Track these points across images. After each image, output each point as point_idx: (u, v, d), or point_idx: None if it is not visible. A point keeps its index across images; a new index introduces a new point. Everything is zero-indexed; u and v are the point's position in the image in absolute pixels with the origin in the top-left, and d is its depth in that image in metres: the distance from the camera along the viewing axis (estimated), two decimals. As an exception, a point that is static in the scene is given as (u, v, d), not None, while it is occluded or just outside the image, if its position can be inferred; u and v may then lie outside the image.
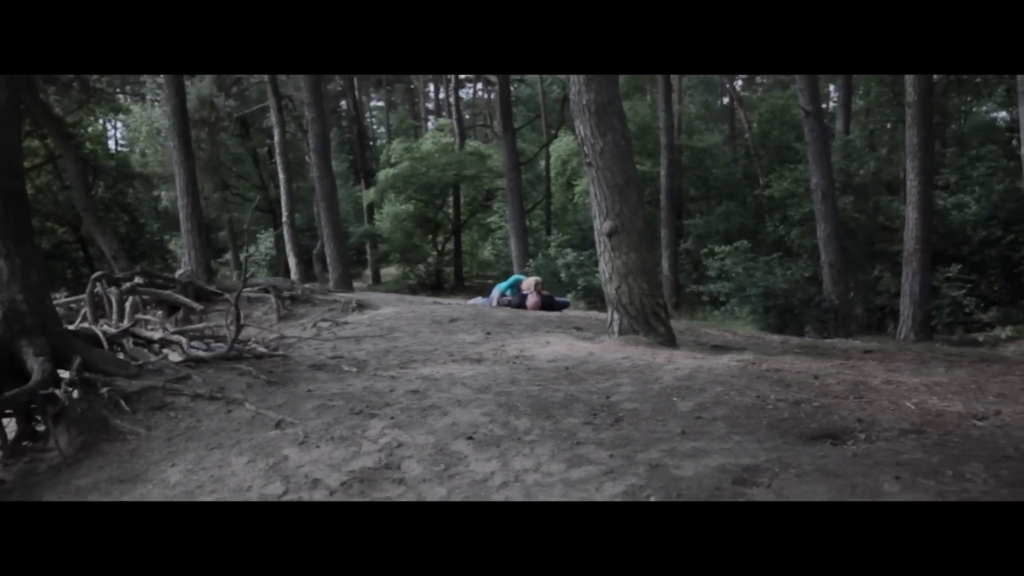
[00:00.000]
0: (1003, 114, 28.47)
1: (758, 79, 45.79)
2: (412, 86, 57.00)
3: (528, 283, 12.63)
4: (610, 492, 3.89)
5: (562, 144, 34.17)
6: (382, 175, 32.50)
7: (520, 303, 12.25)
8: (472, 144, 35.66)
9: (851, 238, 19.01)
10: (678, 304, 20.36)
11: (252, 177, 34.23)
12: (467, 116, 47.36)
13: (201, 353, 6.78)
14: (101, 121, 30.76)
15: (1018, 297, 16.02)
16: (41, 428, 5.72)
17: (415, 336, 8.60)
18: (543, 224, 32.65)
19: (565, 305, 13.25)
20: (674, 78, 31.77)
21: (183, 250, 13.76)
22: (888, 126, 26.01)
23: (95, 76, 21.63)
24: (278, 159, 25.05)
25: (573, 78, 8.10)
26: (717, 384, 5.90)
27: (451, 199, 34.21)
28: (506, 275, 18.88)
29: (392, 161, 32.84)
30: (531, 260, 22.95)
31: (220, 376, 6.28)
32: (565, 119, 31.63)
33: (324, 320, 10.21)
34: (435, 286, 31.82)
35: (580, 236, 26.86)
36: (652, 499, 3.79)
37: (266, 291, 12.00)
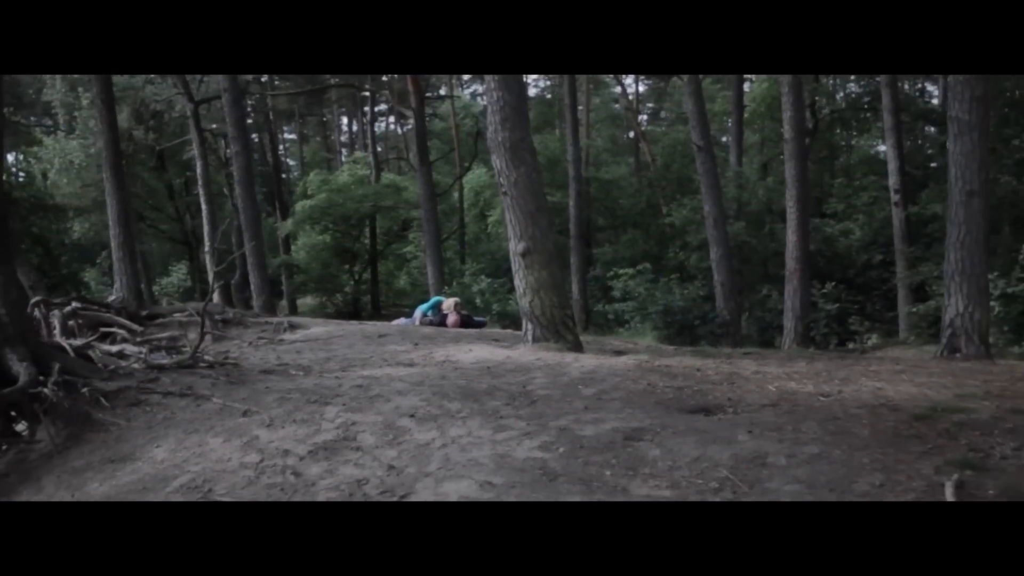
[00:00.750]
0: (883, 147, 30.89)
1: (662, 114, 48.05)
2: (325, 119, 57.68)
3: (448, 304, 13.62)
4: (528, 447, 4.95)
5: (474, 176, 35.42)
6: (299, 206, 33.08)
7: (441, 322, 13.22)
8: (388, 176, 36.56)
9: (745, 261, 20.65)
10: (587, 324, 21.56)
11: (166, 209, 34.37)
12: (379, 148, 48.22)
13: (163, 361, 7.55)
14: (12, 154, 30.60)
15: (887, 311, 17.79)
16: (20, 426, 6.44)
17: (350, 348, 9.51)
18: (457, 253, 33.70)
19: (483, 324, 14.29)
20: (581, 114, 33.43)
21: (117, 276, 14.29)
22: (781, 157, 28.03)
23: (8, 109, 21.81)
24: (200, 191, 25.52)
25: (490, 118, 9.24)
26: (615, 376, 7.02)
27: (367, 229, 34.97)
28: (423, 301, 19.81)
29: (309, 193, 33.48)
30: (446, 287, 23.96)
31: (184, 379, 7.09)
32: (479, 152, 32.86)
33: (260, 339, 10.97)
34: (352, 314, 32.45)
35: (493, 265, 27.99)
36: (561, 451, 4.86)
37: (198, 314, 12.67)
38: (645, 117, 48.69)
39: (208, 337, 11.34)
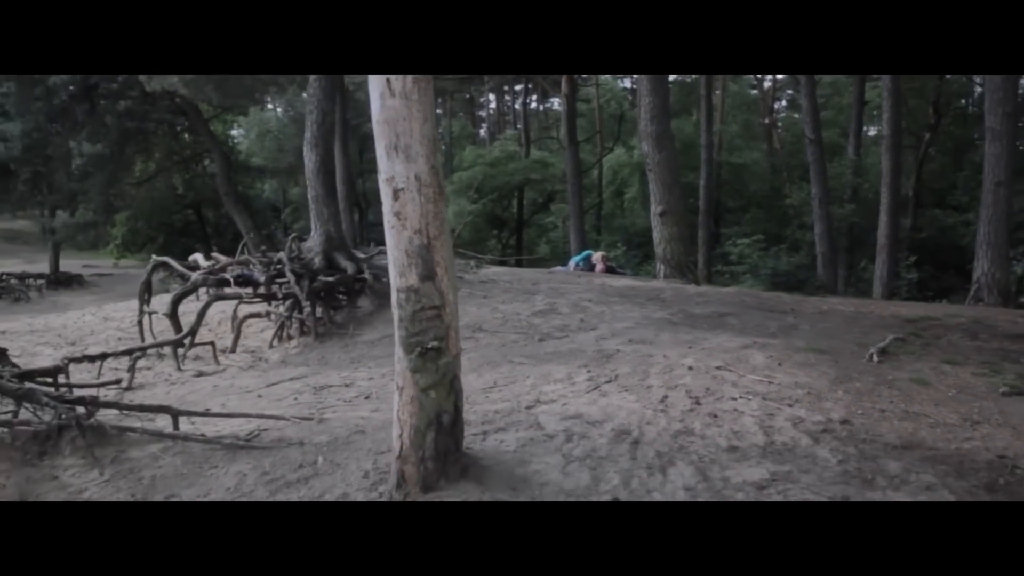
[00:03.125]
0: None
1: (779, 105, 49.72)
2: (468, 96, 61.87)
3: (597, 256, 17.22)
4: (660, 314, 8.61)
5: (613, 156, 38.73)
6: (455, 177, 37.26)
7: (590, 269, 16.86)
8: (536, 152, 40.31)
9: (855, 238, 23.39)
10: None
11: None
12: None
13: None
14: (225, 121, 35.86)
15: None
16: (343, 299, 10.49)
17: (530, 279, 13.34)
18: (593, 227, 37.16)
19: (623, 273, 17.85)
20: (717, 100, 36.25)
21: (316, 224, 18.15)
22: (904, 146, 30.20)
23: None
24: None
25: (641, 113, 12.86)
26: (720, 294, 10.59)
27: (515, 200, 38.87)
28: (563, 263, 23.50)
29: (465, 166, 37.62)
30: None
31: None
32: (620, 135, 36.20)
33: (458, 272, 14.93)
34: (500, 275, 36.50)
35: (626, 238, 31.27)
36: (679, 316, 8.49)
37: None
38: (784, 103, 50.52)
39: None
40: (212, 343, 8.97)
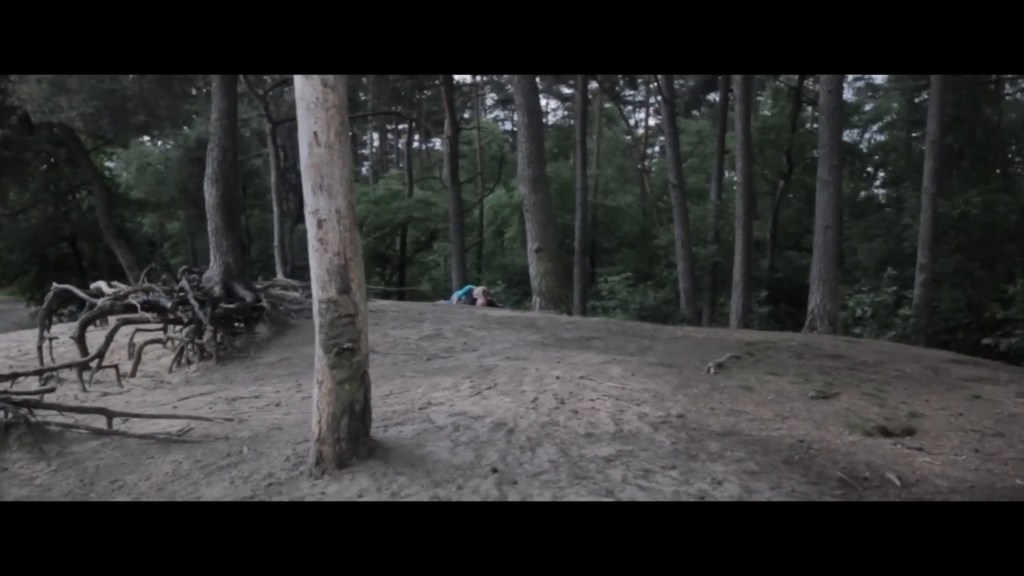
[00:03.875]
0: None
1: (653, 151, 52.36)
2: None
3: (478, 290, 18.29)
4: (533, 338, 9.68)
5: (494, 197, 40.14)
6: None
7: (472, 303, 17.90)
8: (419, 192, 41.33)
9: (716, 276, 25.35)
10: (584, 325, 26.16)
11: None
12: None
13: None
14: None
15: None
16: (240, 326, 11.14)
17: (415, 310, 14.26)
18: (474, 265, 38.37)
19: (503, 307, 18.98)
20: (593, 144, 38.22)
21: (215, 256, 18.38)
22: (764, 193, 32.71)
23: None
24: (274, 196, 29.61)
25: (520, 159, 14.06)
26: (588, 323, 11.76)
27: (399, 238, 39.69)
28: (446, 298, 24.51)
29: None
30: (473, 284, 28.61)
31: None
32: (502, 176, 37.65)
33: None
34: (383, 311, 37.11)
35: (506, 276, 32.52)
36: (551, 339, 9.58)
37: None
38: (656, 149, 53.19)
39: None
40: (116, 366, 9.47)
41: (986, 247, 18.75)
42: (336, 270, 4.68)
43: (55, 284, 10.76)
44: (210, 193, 11.37)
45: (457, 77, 37.18)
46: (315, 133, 4.55)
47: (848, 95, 34.66)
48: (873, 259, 21.07)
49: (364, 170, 60.05)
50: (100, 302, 9.89)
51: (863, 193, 33.36)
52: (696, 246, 24.12)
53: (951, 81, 19.12)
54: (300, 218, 34.50)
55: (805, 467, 5.37)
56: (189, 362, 10.23)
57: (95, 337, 10.13)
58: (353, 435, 4.86)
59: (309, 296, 12.30)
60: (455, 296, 18.59)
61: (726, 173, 30.25)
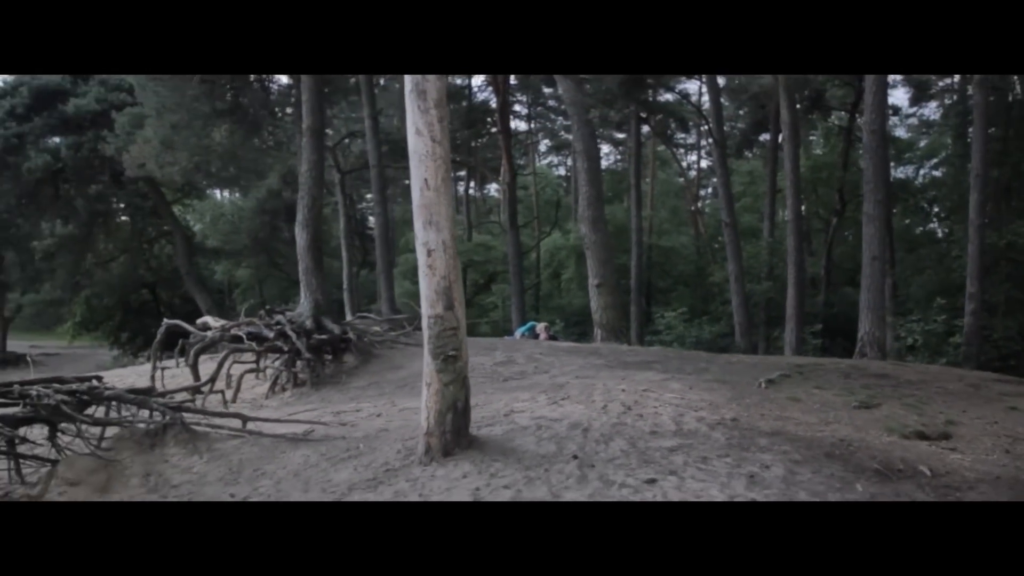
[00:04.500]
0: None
1: (705, 192, 52.94)
2: (406, 182, 64.25)
3: (540, 326, 19.25)
4: (597, 362, 10.58)
5: (550, 240, 41.22)
6: (402, 259, 39.19)
7: (534, 337, 18.85)
8: (477, 236, 42.62)
9: (766, 311, 25.93)
10: (642, 361, 26.92)
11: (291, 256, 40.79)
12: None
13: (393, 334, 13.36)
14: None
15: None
16: (328, 357, 12.22)
17: (489, 343, 15.24)
18: (532, 306, 39.35)
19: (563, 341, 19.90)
20: (647, 186, 39.18)
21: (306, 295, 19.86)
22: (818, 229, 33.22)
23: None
24: (343, 242, 31.10)
25: (580, 200, 15.03)
26: (647, 352, 12.61)
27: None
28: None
29: (411, 247, 39.62)
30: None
31: (409, 341, 12.90)
32: (557, 219, 38.73)
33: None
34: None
35: (564, 316, 33.40)
36: (614, 362, 10.47)
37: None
38: (709, 190, 53.92)
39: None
40: (223, 391, 10.60)
41: (1035, 276, 19.18)
42: (443, 291, 5.68)
43: (165, 320, 11.99)
44: (301, 237, 12.57)
45: (512, 124, 38.47)
46: (425, 179, 5.59)
47: (901, 132, 35.18)
48: (925, 291, 21.50)
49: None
50: (210, 334, 11.07)
51: (919, 229, 33.67)
52: (750, 283, 24.78)
53: (994, 118, 19.72)
54: (365, 263, 36.08)
55: (844, 460, 6.15)
56: (284, 389, 11.33)
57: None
58: (456, 428, 5.82)
59: (390, 330, 13.44)
60: (518, 332, 19.54)
61: (778, 212, 30.90)
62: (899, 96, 33.44)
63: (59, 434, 6.15)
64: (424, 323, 5.83)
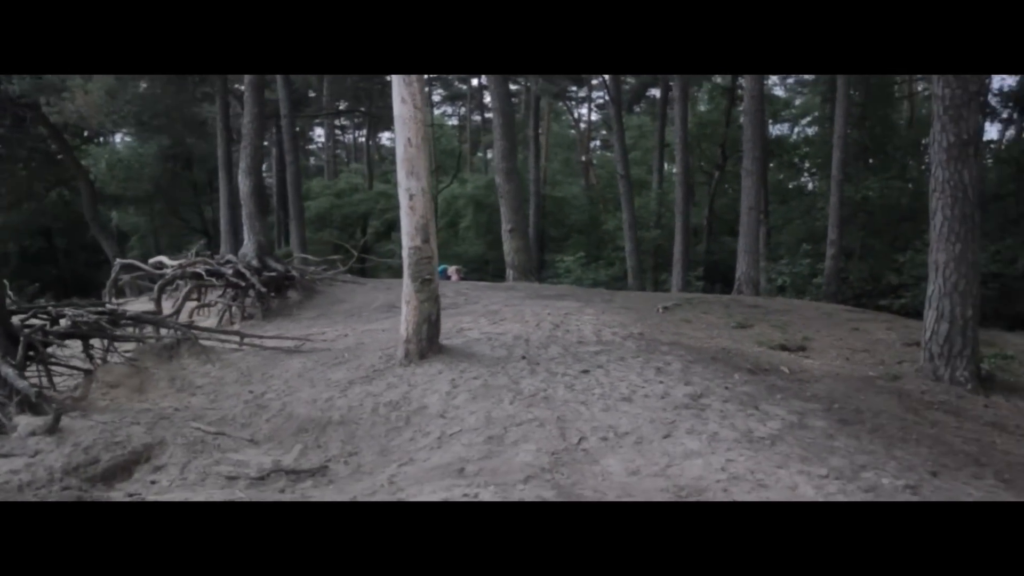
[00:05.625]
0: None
1: (594, 145, 55.22)
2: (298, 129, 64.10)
3: (452, 268, 20.77)
4: (516, 295, 12.23)
5: (448, 190, 42.56)
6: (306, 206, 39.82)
7: (446, 279, 20.36)
8: (379, 185, 43.53)
9: (655, 257, 28.22)
10: (540, 304, 28.87)
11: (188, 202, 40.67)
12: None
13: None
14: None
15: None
16: (273, 294, 13.46)
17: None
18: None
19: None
20: (541, 140, 40.87)
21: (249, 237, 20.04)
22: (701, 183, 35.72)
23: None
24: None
25: (495, 153, 16.54)
26: (557, 288, 14.34)
27: (359, 229, 41.85)
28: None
29: (312, 196, 40.27)
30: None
31: (346, 278, 14.22)
32: (459, 170, 40.04)
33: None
34: (347, 297, 39.29)
35: (462, 263, 34.94)
36: (524, 297, 12.15)
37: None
38: (598, 143, 56.08)
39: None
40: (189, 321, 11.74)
41: (885, 226, 21.86)
42: (421, 227, 7.18)
43: (118, 260, 12.96)
44: (244, 184, 13.65)
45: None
46: (408, 138, 7.04)
47: (779, 91, 37.81)
48: (794, 238, 24.07)
49: (312, 162, 61.55)
50: (169, 271, 12.12)
51: (792, 184, 36.59)
52: (640, 231, 26.87)
53: (857, 83, 22.16)
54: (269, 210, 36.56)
55: (725, 361, 8.00)
56: (232, 322, 12.52)
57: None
58: (430, 337, 7.37)
59: (326, 269, 14.72)
60: (432, 274, 21.04)
61: (665, 165, 33.12)
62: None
63: (90, 348, 7.37)
64: (404, 253, 7.31)
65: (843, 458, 5.02)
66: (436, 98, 55.35)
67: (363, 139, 62.13)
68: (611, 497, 4.34)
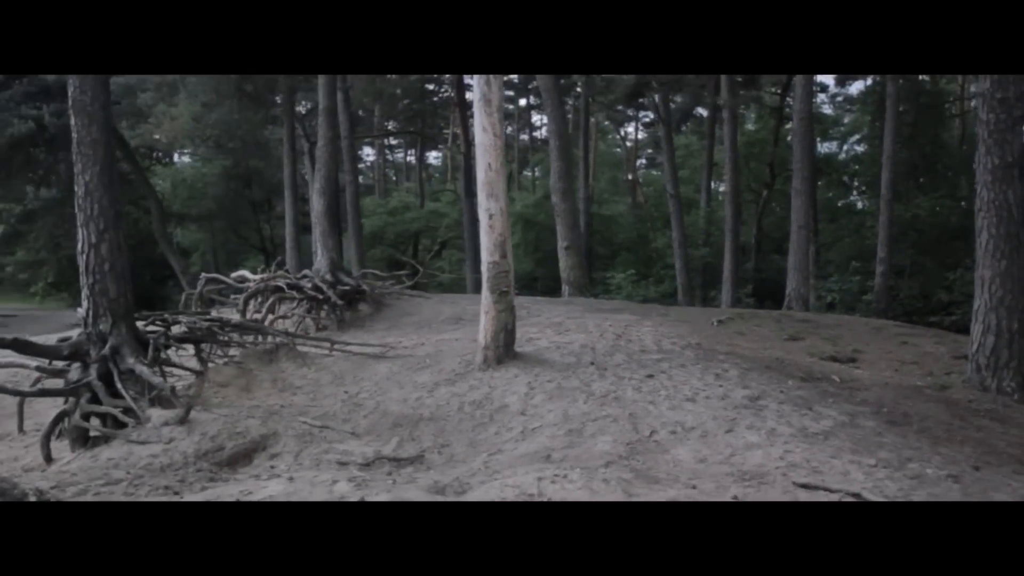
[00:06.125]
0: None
1: (657, 159, 55.71)
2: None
3: (485, 301, 21.54)
4: (575, 310, 12.88)
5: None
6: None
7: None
8: (431, 204, 44.53)
9: (703, 275, 28.68)
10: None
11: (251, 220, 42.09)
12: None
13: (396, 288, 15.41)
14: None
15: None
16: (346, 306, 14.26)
17: (472, 299, 17.38)
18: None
19: (527, 301, 22.27)
20: (592, 161, 41.55)
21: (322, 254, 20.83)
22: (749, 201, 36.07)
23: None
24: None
25: (552, 174, 17.24)
26: (613, 304, 14.95)
27: (411, 247, 42.84)
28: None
29: (365, 214, 41.36)
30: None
31: (413, 294, 14.99)
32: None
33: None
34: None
35: (518, 284, 35.66)
36: (585, 311, 12.79)
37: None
38: (644, 162, 56.64)
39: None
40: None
41: (936, 244, 22.12)
42: (499, 244, 7.88)
43: (203, 274, 13.88)
44: (317, 203, 14.52)
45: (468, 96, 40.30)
46: (489, 163, 7.76)
47: (828, 109, 38.07)
48: (843, 256, 24.42)
49: (362, 180, 62.79)
50: (252, 285, 12.97)
51: (841, 202, 36.81)
52: (689, 248, 27.37)
53: (906, 100, 22.50)
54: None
55: (779, 370, 8.55)
56: (307, 332, 13.33)
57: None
58: (506, 344, 8.05)
59: (395, 283, 15.51)
60: (487, 290, 21.79)
61: (713, 184, 33.61)
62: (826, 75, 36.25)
63: (202, 351, 8.19)
64: (483, 267, 8.02)
65: (891, 452, 5.58)
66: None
67: (412, 158, 63.50)
68: (683, 480, 4.97)
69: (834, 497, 4.54)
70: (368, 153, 69.37)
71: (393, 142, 58.14)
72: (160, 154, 34.10)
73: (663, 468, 5.23)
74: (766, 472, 5.05)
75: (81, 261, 7.43)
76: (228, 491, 4.94)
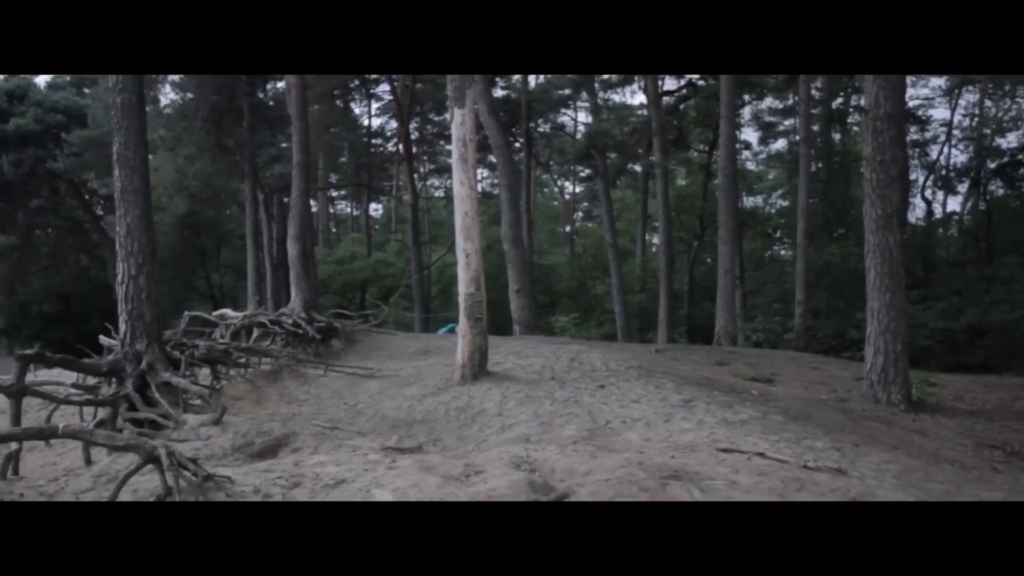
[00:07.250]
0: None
1: (593, 212, 57.95)
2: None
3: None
4: (530, 343, 14.43)
5: (440, 261, 44.90)
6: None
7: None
8: (377, 253, 45.83)
9: (640, 319, 30.56)
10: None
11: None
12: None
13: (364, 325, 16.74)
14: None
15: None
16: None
17: (432, 337, 18.78)
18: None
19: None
20: (532, 213, 43.53)
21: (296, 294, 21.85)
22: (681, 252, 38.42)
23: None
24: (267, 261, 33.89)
25: (504, 221, 18.88)
26: (561, 340, 16.54)
27: (359, 295, 43.97)
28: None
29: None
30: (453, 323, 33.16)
31: (378, 331, 16.35)
32: (449, 238, 42.43)
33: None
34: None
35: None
36: (543, 344, 14.35)
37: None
38: (580, 214, 58.83)
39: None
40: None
41: (847, 288, 24.32)
42: (474, 278, 9.43)
43: (186, 312, 15.07)
44: (292, 248, 15.89)
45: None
46: (465, 212, 9.33)
47: (751, 166, 40.68)
48: (767, 300, 26.54)
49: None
50: (236, 322, 14.21)
51: (767, 254, 39.32)
52: (627, 295, 29.27)
53: (819, 159, 24.83)
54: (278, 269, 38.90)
55: (707, 385, 10.19)
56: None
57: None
58: (480, 363, 9.56)
59: (364, 321, 16.86)
60: (441, 331, 23.18)
61: (647, 235, 35.82)
62: (750, 134, 38.94)
63: (218, 370, 9.52)
64: (461, 298, 9.55)
65: (791, 434, 7.23)
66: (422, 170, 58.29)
67: (353, 210, 64.57)
68: (633, 450, 6.50)
69: (745, 456, 6.16)
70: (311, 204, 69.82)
71: (334, 194, 59.50)
72: (109, 202, 34.73)
73: (618, 445, 6.76)
74: (696, 445, 6.63)
75: (120, 291, 8.72)
76: (279, 465, 6.30)
